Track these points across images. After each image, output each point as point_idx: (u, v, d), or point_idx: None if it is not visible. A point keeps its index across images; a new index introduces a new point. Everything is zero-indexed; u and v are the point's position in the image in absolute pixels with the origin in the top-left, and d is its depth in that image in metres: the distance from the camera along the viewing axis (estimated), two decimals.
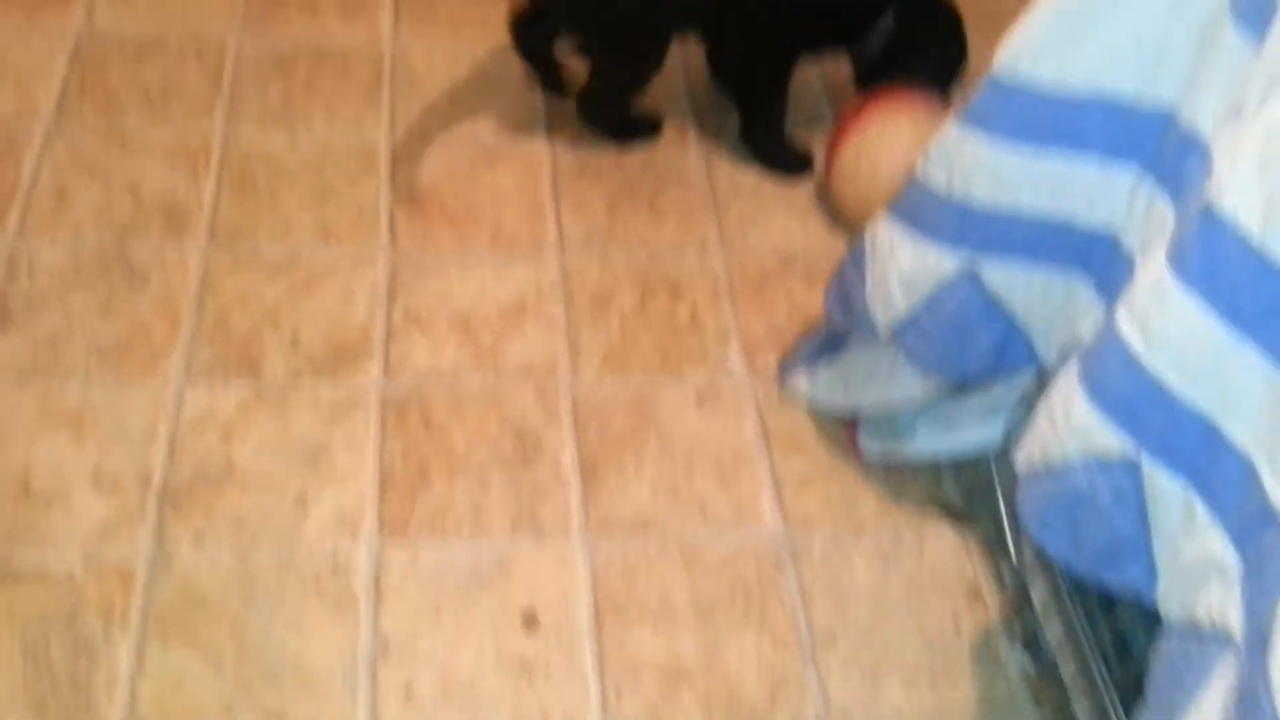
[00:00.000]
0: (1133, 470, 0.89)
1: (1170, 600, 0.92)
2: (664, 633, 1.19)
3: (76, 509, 1.21)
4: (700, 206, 1.61)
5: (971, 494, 1.34)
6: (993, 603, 1.26)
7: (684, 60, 1.79)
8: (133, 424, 1.28)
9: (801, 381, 1.40)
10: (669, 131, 1.70)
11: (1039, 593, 1.21)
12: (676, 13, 1.55)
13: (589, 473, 1.31)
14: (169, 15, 1.72)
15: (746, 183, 1.65)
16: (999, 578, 1.28)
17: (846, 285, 1.24)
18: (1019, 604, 1.25)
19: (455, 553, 1.23)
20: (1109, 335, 0.90)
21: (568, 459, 1.32)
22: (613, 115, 1.65)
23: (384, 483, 1.27)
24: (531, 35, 1.65)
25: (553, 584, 1.22)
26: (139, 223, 1.47)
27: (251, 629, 1.14)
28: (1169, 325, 0.85)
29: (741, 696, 1.16)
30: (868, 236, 1.20)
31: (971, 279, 1.10)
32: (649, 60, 1.57)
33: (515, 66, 1.74)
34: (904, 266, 1.13)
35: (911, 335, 1.17)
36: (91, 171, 1.51)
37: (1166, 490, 0.89)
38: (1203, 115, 0.91)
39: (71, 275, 1.40)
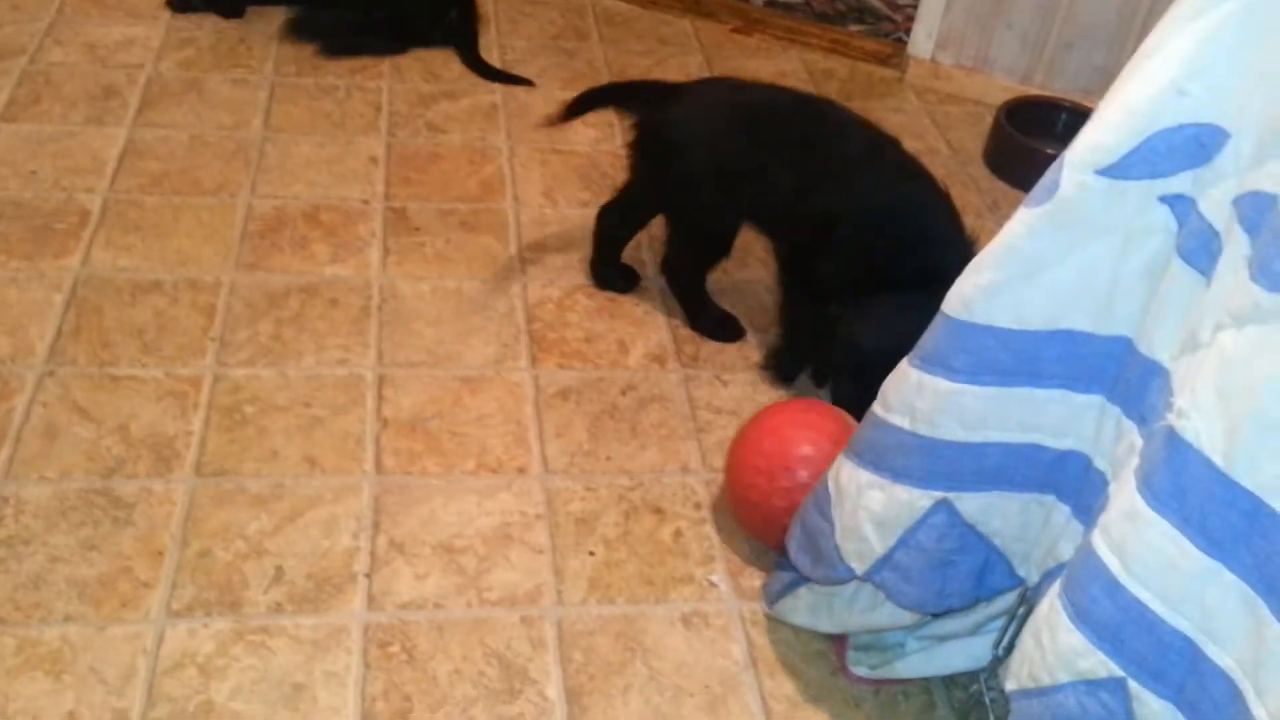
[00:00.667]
0: (1120, 689, 0.90)
1: None
2: None
3: None
4: (681, 429, 1.65)
5: (963, 713, 1.32)
6: None
7: (661, 286, 1.87)
8: (111, 665, 1.26)
9: (785, 606, 1.39)
10: (649, 355, 1.76)
11: None
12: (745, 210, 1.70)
13: (575, 704, 1.29)
14: (165, 257, 1.80)
15: (726, 404, 1.69)
16: None
17: (811, 531, 1.24)
18: None
19: None
20: (1088, 559, 0.92)
21: (553, 690, 1.30)
22: (690, 286, 1.81)
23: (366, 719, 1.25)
24: (615, 227, 1.84)
25: None
26: (126, 460, 1.49)
27: None
28: (1145, 549, 0.87)
29: None
30: (830, 480, 1.21)
31: (947, 510, 1.11)
32: (718, 244, 1.75)
33: (498, 298, 1.81)
34: (875, 508, 1.14)
35: (889, 574, 1.17)
36: (82, 411, 1.54)
37: (1156, 712, 0.89)
38: (1160, 344, 0.96)
39: (56, 514, 1.41)
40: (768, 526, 1.42)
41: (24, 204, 1.86)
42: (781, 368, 1.75)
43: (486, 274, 1.86)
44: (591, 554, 1.46)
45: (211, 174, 1.99)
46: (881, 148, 1.65)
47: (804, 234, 1.64)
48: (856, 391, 1.41)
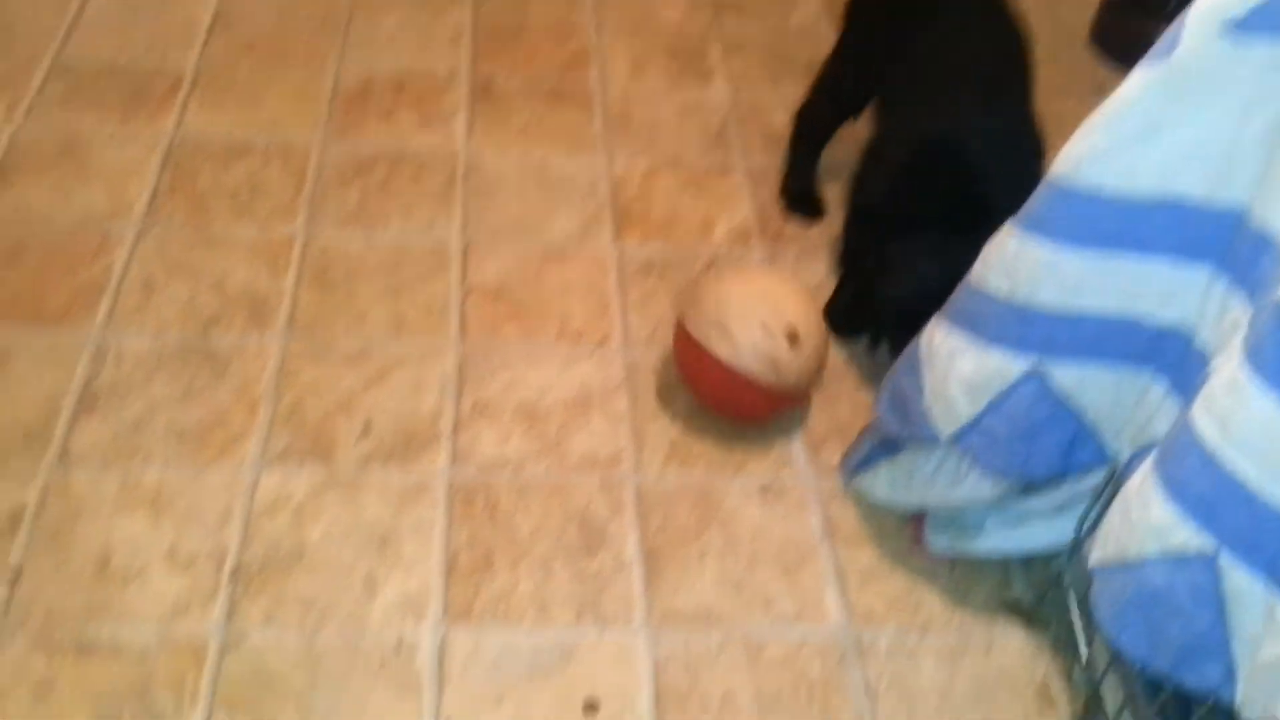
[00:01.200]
0: (1211, 567, 0.89)
1: (1251, 703, 0.90)
2: None
3: (152, 587, 1.23)
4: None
5: (1042, 593, 1.32)
6: (1063, 705, 1.23)
7: (745, 161, 1.85)
8: (208, 506, 1.31)
9: (864, 479, 1.40)
10: (733, 232, 1.74)
11: (1112, 695, 1.19)
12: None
13: (652, 564, 1.32)
14: (257, 122, 1.81)
15: (809, 280, 1.68)
16: (1069, 679, 1.25)
17: (901, 393, 1.24)
18: (1091, 707, 1.22)
19: (518, 640, 1.23)
20: (1186, 432, 0.90)
21: (631, 550, 1.33)
22: (797, 134, 1.80)
23: (449, 569, 1.29)
24: (817, 122, 1.79)
25: (614, 674, 1.21)
26: (221, 315, 1.53)
27: (317, 708, 1.15)
28: (1247, 421, 0.85)
29: None
30: (922, 343, 1.21)
31: (1039, 380, 1.10)
32: (838, 102, 1.74)
33: (583, 171, 1.81)
34: (966, 372, 1.14)
35: (975, 439, 1.17)
36: (178, 267, 1.58)
37: (1246, 588, 0.88)
38: (1275, 215, 0.92)
39: (155, 364, 1.46)
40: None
41: (119, 68, 1.88)
42: (835, 316, 1.60)
43: (571, 147, 1.85)
44: (671, 424, 1.48)
45: (300, 43, 1.99)
46: (989, 56, 1.55)
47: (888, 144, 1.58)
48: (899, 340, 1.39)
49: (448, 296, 1.59)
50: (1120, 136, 0.95)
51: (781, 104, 1.91)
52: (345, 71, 1.94)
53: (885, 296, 1.50)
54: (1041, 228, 1.01)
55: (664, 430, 1.47)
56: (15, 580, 1.22)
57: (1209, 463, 0.86)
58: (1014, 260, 1.03)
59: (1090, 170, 0.97)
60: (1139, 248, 0.99)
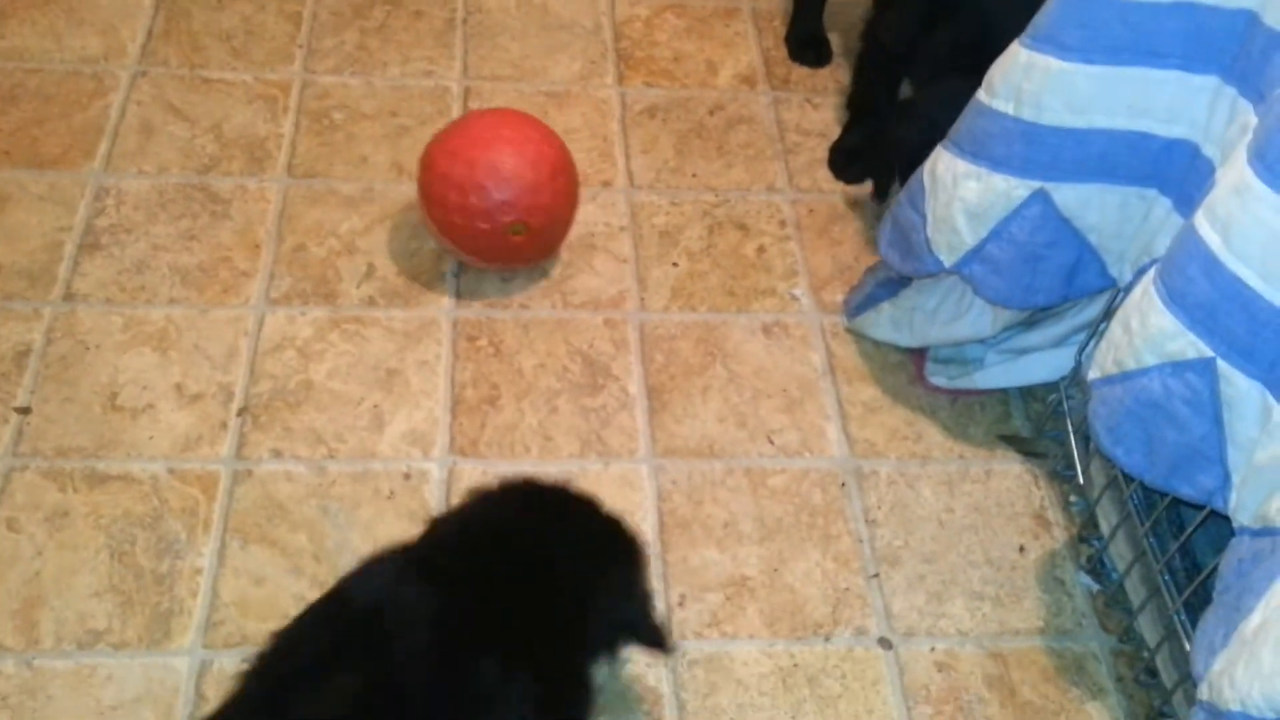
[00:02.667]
0: (1208, 369, 0.89)
1: (1243, 506, 0.91)
2: (729, 550, 1.21)
3: (161, 421, 1.25)
4: (769, 149, 1.62)
5: (1040, 425, 1.33)
6: (1059, 529, 1.26)
7: (752, 4, 1.80)
8: (215, 344, 1.32)
9: (866, 319, 1.40)
10: (738, 76, 1.71)
11: (1107, 517, 1.21)
12: None
13: (656, 400, 1.33)
14: None
15: (815, 127, 1.66)
16: (1065, 505, 1.27)
17: (903, 226, 1.23)
18: (1085, 529, 1.24)
19: (524, 470, 1.25)
20: (1188, 240, 0.90)
21: (635, 386, 1.34)
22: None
23: (455, 404, 1.30)
24: None
25: (619, 502, 1.23)
26: (221, 158, 1.51)
27: (328, 534, 1.18)
28: (1250, 224, 0.84)
29: (805, 610, 1.17)
30: (925, 172, 1.20)
31: (1043, 202, 1.10)
32: None
33: (585, 14, 1.77)
34: (969, 198, 1.13)
35: (978, 267, 1.17)
36: (175, 110, 1.56)
37: (1243, 391, 0.89)
38: None
39: (156, 206, 1.45)
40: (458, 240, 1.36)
41: None
42: (839, 159, 1.58)
43: None
44: (675, 265, 1.48)
45: None
46: None
47: None
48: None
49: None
50: None
51: None
52: None
53: (900, 139, 1.47)
54: (1052, 39, 0.99)
55: (667, 272, 1.47)
56: (25, 415, 1.24)
57: (1211, 268, 0.86)
58: (1023, 76, 1.02)
59: None
60: (1149, 57, 0.97)
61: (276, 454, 1.24)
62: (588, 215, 1.51)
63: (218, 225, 1.44)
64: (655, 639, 0.97)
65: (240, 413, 1.27)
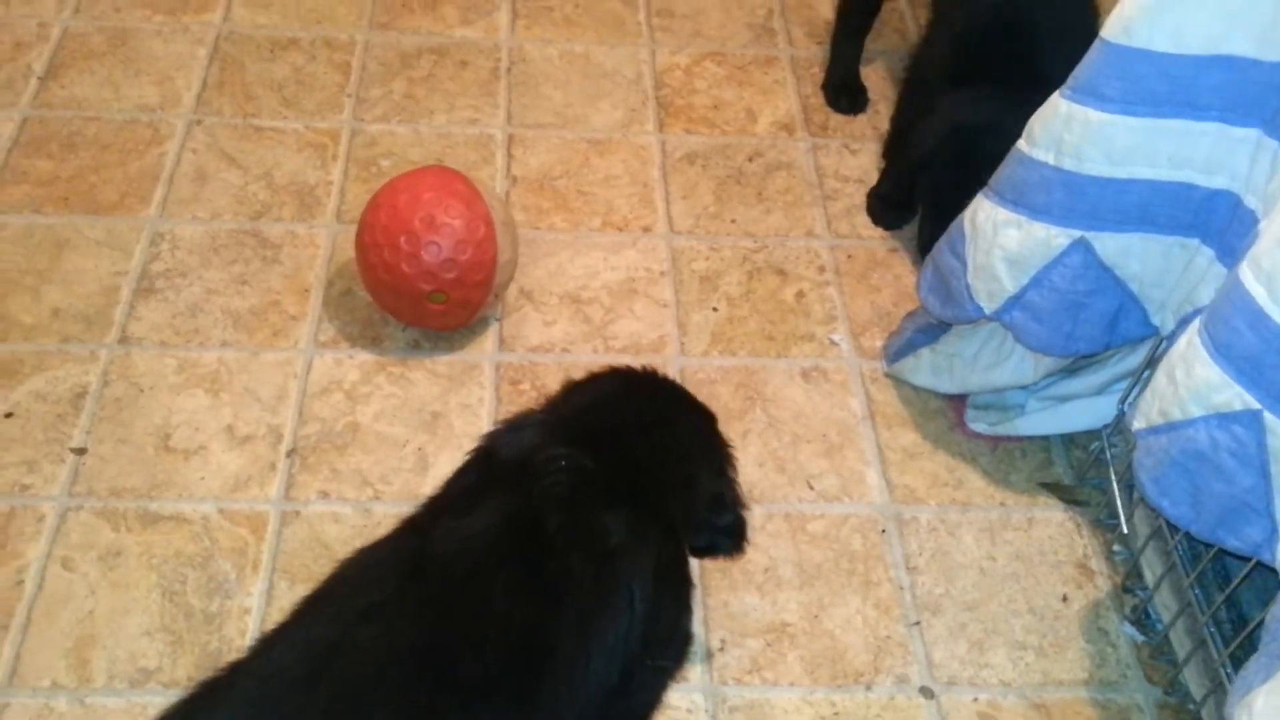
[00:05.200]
0: (1255, 421, 0.89)
1: None
2: (769, 595, 1.21)
3: (213, 462, 1.28)
4: (807, 195, 1.64)
5: (1082, 473, 1.33)
6: (1102, 578, 1.25)
7: (791, 52, 1.83)
8: (265, 386, 1.35)
9: (905, 365, 1.41)
10: (777, 124, 1.73)
11: (1152, 567, 1.20)
12: None
13: None
14: (302, 15, 1.82)
15: (853, 173, 1.67)
16: (1109, 554, 1.27)
17: (943, 273, 1.24)
18: (1129, 579, 1.24)
19: None
20: (1233, 292, 0.90)
21: None
22: (840, 19, 1.77)
23: None
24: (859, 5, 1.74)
25: None
26: (272, 204, 1.55)
27: None
28: None
29: (845, 658, 1.17)
30: (966, 220, 1.21)
31: (1084, 251, 1.10)
32: None
33: (626, 63, 1.80)
34: (1010, 245, 1.14)
35: (1019, 313, 1.17)
36: (229, 158, 1.60)
37: None
38: None
39: (209, 250, 1.49)
40: (394, 293, 1.35)
41: None
42: (877, 204, 1.60)
43: (614, 39, 1.84)
44: (715, 310, 1.49)
45: None
46: None
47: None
48: (938, 197, 1.38)
49: (493, 187, 1.60)
50: None
51: None
52: None
53: (919, 143, 1.49)
54: (1092, 91, 1.00)
55: (707, 317, 1.48)
56: (81, 456, 1.27)
57: (1256, 321, 0.86)
58: (1063, 126, 1.03)
59: (1141, 30, 0.95)
60: (1189, 110, 0.98)
61: (324, 495, 1.26)
62: (629, 260, 1.53)
63: (268, 270, 1.47)
64: (739, 525, 1.03)
65: (289, 454, 1.29)
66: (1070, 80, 1.03)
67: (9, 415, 1.30)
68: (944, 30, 1.52)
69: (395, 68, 1.76)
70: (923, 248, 1.48)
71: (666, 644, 1.00)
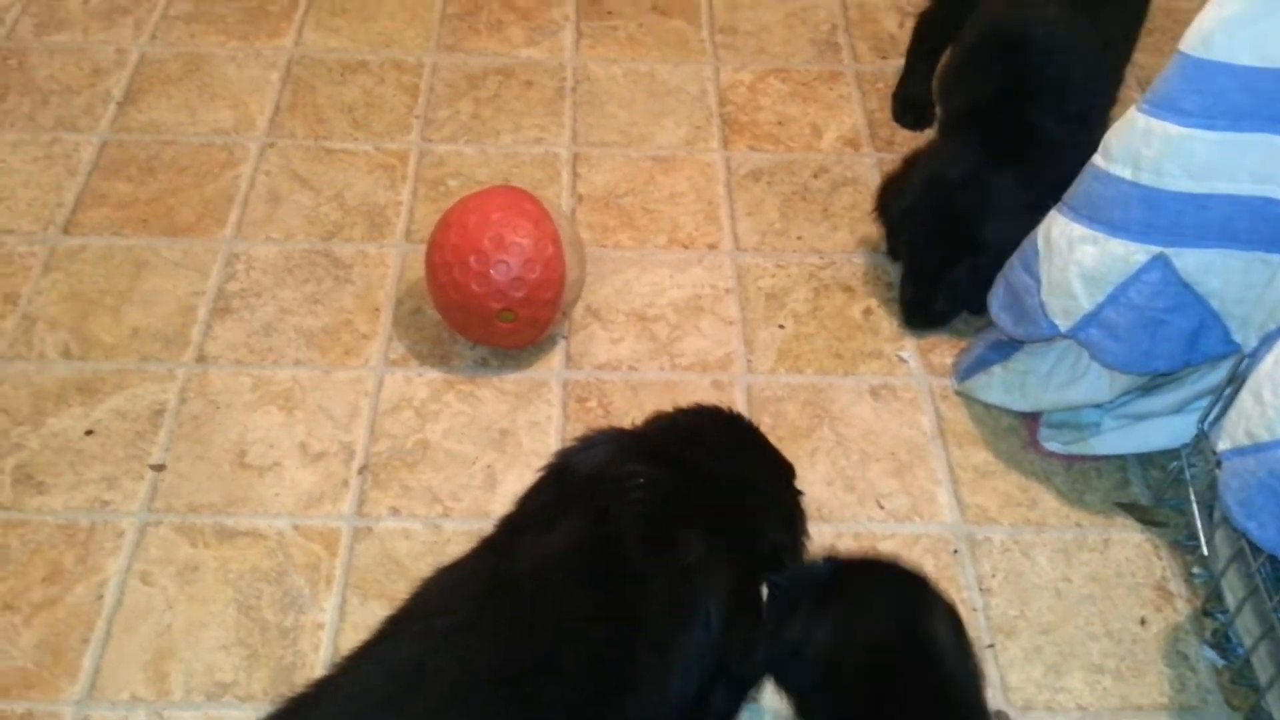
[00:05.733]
0: None
1: None
2: None
3: (287, 479, 1.30)
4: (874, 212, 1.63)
5: (1160, 493, 1.30)
6: (1181, 601, 1.22)
7: (855, 67, 1.82)
8: (337, 404, 1.37)
9: (977, 382, 1.39)
10: (842, 139, 1.73)
11: (1233, 589, 1.17)
12: None
13: None
14: (370, 39, 1.85)
15: None
16: (1188, 576, 1.24)
17: (1016, 290, 1.23)
18: (1209, 602, 1.21)
19: None
20: None
21: None
22: (915, 37, 1.77)
23: None
24: (935, 25, 1.71)
25: None
26: (343, 225, 1.58)
27: None
28: None
29: None
30: (1040, 236, 1.19)
31: (1163, 267, 1.08)
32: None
33: (690, 81, 1.80)
34: (1086, 262, 1.12)
35: (1095, 331, 1.15)
36: (301, 180, 1.63)
37: None
38: None
39: (283, 270, 1.52)
40: (463, 312, 1.36)
41: None
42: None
43: (678, 57, 1.85)
44: (781, 327, 1.49)
45: None
46: None
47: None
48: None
49: (560, 206, 1.61)
50: (1253, 6, 0.92)
51: (893, 7, 1.87)
52: None
53: (895, 199, 1.48)
54: (1170, 105, 0.99)
55: (774, 334, 1.48)
56: (159, 472, 1.30)
57: None
58: (1141, 141, 1.01)
59: (1221, 43, 0.94)
60: (1271, 124, 0.96)
61: (395, 512, 1.27)
62: (694, 278, 1.54)
63: (340, 289, 1.50)
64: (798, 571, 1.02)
65: (361, 471, 1.31)
66: (1148, 93, 1.01)
67: (90, 433, 1.33)
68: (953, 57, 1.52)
69: (462, 89, 1.78)
70: (904, 304, 1.48)
71: (741, 663, 0.99)
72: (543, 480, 1.02)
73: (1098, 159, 1.08)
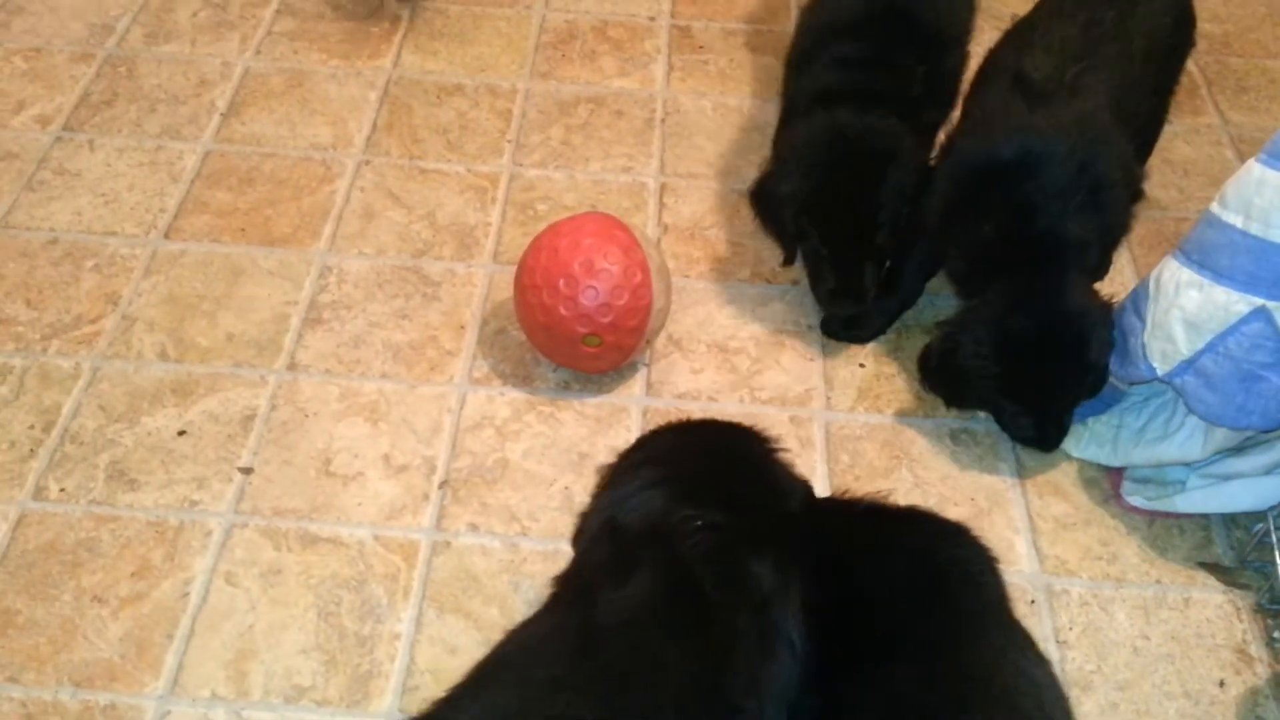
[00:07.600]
0: None
1: None
2: None
3: (369, 489, 1.32)
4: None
5: (1243, 554, 1.28)
6: (1261, 665, 1.20)
7: None
8: (420, 418, 1.40)
9: (1068, 436, 1.37)
10: None
11: None
12: None
13: None
14: (467, 63, 1.89)
15: None
16: (1269, 640, 1.22)
17: (1123, 330, 1.23)
18: None
19: None
20: None
21: (820, 486, 1.35)
22: None
23: None
24: None
25: None
26: (434, 243, 1.61)
27: (518, 610, 1.21)
28: None
29: None
30: (1152, 278, 1.19)
31: (1263, 319, 1.08)
32: None
33: (776, 113, 1.82)
34: (1189, 307, 1.12)
35: (1191, 378, 1.14)
36: (394, 197, 1.67)
37: None
38: None
39: (373, 285, 1.55)
40: (549, 334, 1.38)
41: (341, 8, 1.99)
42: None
43: (768, 93, 1.86)
44: (862, 365, 1.49)
45: None
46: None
47: None
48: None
49: (648, 235, 1.63)
50: None
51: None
52: (551, 15, 2.00)
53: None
54: None
55: (854, 372, 1.48)
56: (247, 475, 1.33)
57: None
58: (1255, 190, 1.01)
59: None
60: None
61: (473, 528, 1.29)
62: (776, 312, 1.54)
63: (428, 306, 1.53)
64: None
65: (441, 485, 1.33)
66: (1267, 145, 1.02)
67: (182, 433, 1.37)
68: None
69: (554, 115, 1.81)
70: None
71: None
72: (596, 536, 1.02)
73: (1214, 205, 1.08)
